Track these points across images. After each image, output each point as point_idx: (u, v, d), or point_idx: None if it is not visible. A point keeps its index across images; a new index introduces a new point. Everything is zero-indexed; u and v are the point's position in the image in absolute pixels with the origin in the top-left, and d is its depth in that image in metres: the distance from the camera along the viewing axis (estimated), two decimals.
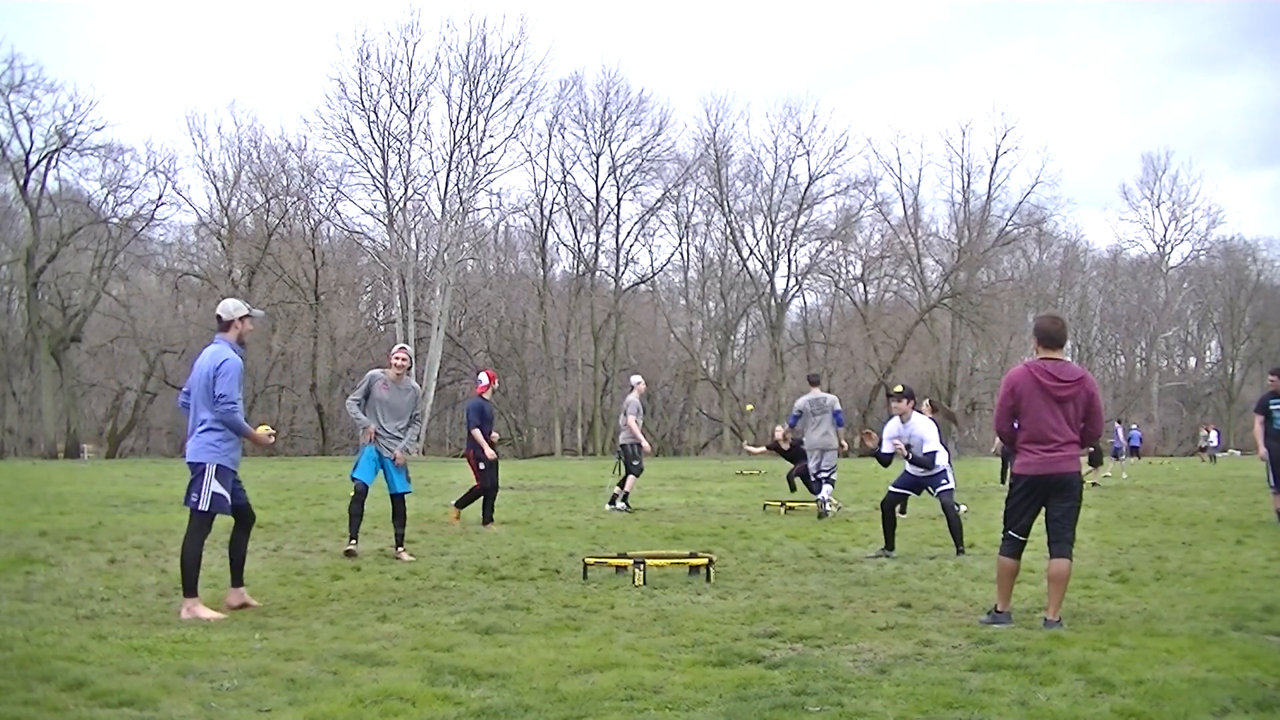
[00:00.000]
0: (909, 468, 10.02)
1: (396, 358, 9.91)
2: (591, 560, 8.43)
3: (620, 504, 15.08)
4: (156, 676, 4.84)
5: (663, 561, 8.25)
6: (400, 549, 9.56)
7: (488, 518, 12.21)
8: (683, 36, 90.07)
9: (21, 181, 46.62)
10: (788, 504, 15.14)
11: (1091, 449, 22.13)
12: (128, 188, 49.41)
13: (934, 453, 9.88)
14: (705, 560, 8.18)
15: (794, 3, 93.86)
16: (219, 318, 6.84)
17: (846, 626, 6.17)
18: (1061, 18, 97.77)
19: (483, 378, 12.81)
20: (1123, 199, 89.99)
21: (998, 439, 6.98)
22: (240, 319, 6.81)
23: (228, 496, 6.62)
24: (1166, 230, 70.15)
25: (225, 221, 52.97)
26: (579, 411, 55.86)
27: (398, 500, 9.62)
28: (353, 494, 9.62)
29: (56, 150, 46.78)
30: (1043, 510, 6.33)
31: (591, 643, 5.69)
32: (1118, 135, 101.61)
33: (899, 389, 10.44)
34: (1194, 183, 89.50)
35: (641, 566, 7.88)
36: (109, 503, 15.96)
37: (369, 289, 60.21)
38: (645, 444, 15.07)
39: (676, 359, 59.98)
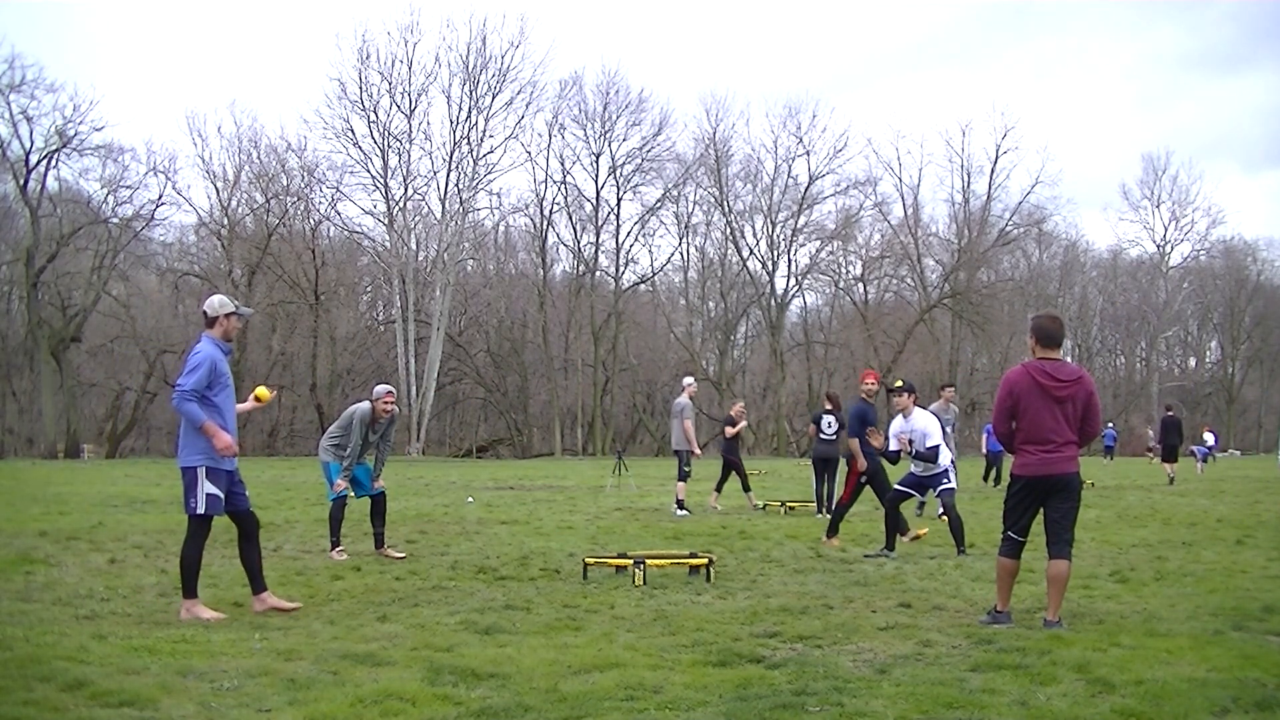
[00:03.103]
0: (913, 466, 10.02)
1: (386, 402, 9.56)
2: (591, 560, 8.43)
3: (680, 510, 14.73)
4: (156, 676, 4.84)
5: (663, 561, 8.25)
6: (384, 548, 9.56)
7: (833, 530, 10.93)
8: (683, 36, 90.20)
9: (21, 181, 46.60)
10: (788, 504, 15.14)
11: (1170, 445, 22.21)
12: (128, 188, 49.45)
13: (936, 447, 9.88)
14: (705, 560, 8.17)
15: (794, 4, 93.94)
16: (204, 313, 6.77)
17: (846, 626, 6.17)
18: (1071, 19, 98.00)
19: (865, 377, 11.94)
20: (1123, 199, 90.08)
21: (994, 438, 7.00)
22: (226, 316, 6.74)
23: (222, 496, 6.56)
24: (1166, 230, 70.19)
25: (225, 221, 52.92)
26: (579, 411, 55.86)
27: (379, 499, 9.61)
28: (333, 502, 9.59)
29: (56, 150, 46.77)
30: (1042, 510, 6.33)
31: (591, 643, 5.69)
32: (1127, 136, 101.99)
33: (899, 384, 10.45)
34: (1194, 183, 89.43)
35: (641, 566, 7.88)
36: (109, 503, 15.96)
37: (369, 289, 60.23)
38: (696, 449, 15.12)
39: (676, 359, 59.92)
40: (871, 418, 11.10)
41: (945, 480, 9.96)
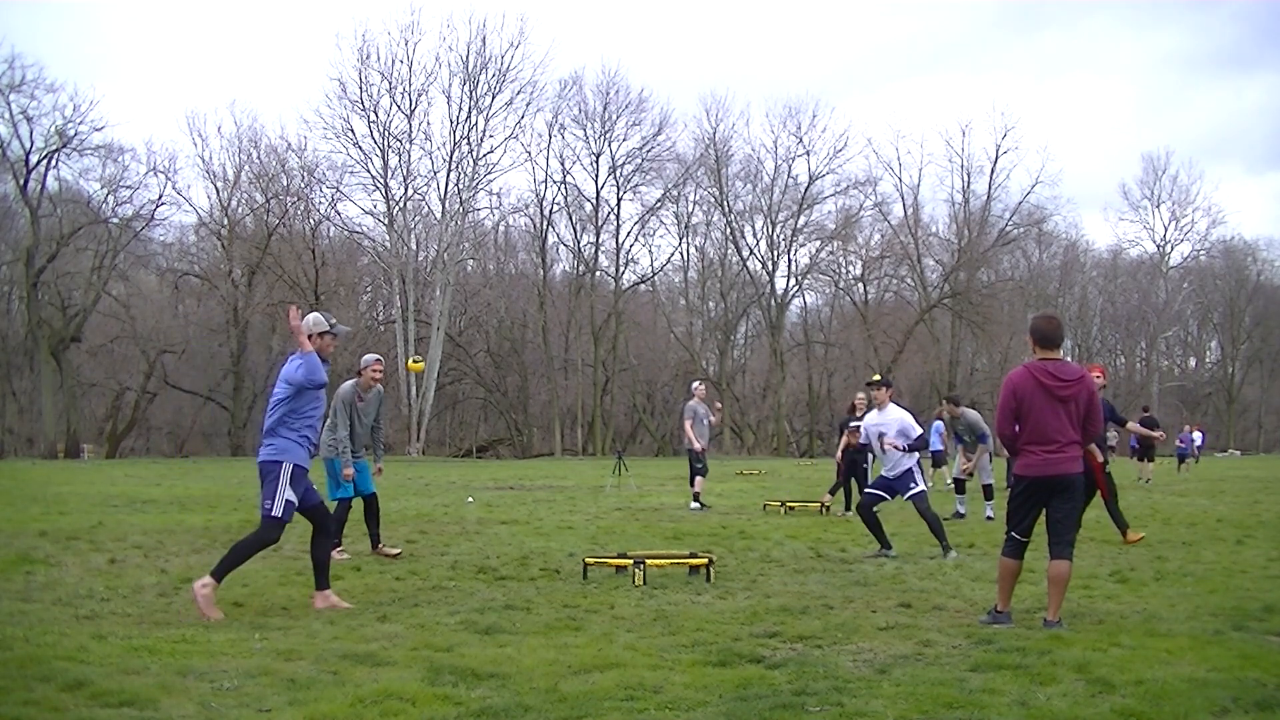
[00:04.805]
0: (884, 469, 10.03)
1: (374, 370, 9.52)
2: (591, 560, 8.43)
3: (694, 504, 15.49)
4: (156, 676, 4.84)
5: (663, 561, 8.25)
6: (381, 546, 9.52)
7: (1121, 526, 10.93)
8: (683, 36, 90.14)
9: (21, 181, 46.63)
10: (788, 504, 15.14)
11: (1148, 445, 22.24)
12: (128, 188, 49.49)
13: (921, 435, 9.98)
14: (705, 560, 8.17)
15: (794, 4, 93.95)
16: None
17: (846, 626, 6.17)
18: (1077, 21, 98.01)
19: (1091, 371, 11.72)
20: (1123, 199, 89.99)
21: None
22: (320, 335, 6.79)
23: (296, 503, 6.63)
24: (1166, 230, 70.16)
25: (225, 221, 52.97)
26: (579, 411, 55.87)
27: (371, 500, 9.58)
28: (338, 503, 9.43)
29: (56, 150, 46.80)
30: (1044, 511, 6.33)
31: (591, 643, 5.69)
32: (1130, 137, 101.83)
33: (876, 378, 10.53)
34: (1194, 183, 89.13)
35: (641, 566, 7.88)
36: (109, 503, 15.96)
37: (369, 289, 60.20)
38: (696, 446, 15.64)
39: (676, 359, 59.96)
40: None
41: (914, 484, 9.89)
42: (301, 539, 10.89)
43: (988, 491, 14.25)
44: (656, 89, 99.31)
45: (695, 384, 16.83)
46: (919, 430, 9.95)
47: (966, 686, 4.73)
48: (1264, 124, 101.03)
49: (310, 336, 6.72)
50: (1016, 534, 6.33)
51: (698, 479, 15.65)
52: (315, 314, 6.97)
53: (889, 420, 9.94)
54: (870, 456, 13.75)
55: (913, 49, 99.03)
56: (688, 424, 15.87)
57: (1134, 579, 8.08)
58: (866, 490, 10.07)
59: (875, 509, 9.90)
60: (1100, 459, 10.70)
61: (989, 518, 13.73)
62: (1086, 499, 10.70)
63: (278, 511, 6.55)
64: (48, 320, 47.41)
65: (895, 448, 9.82)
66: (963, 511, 13.91)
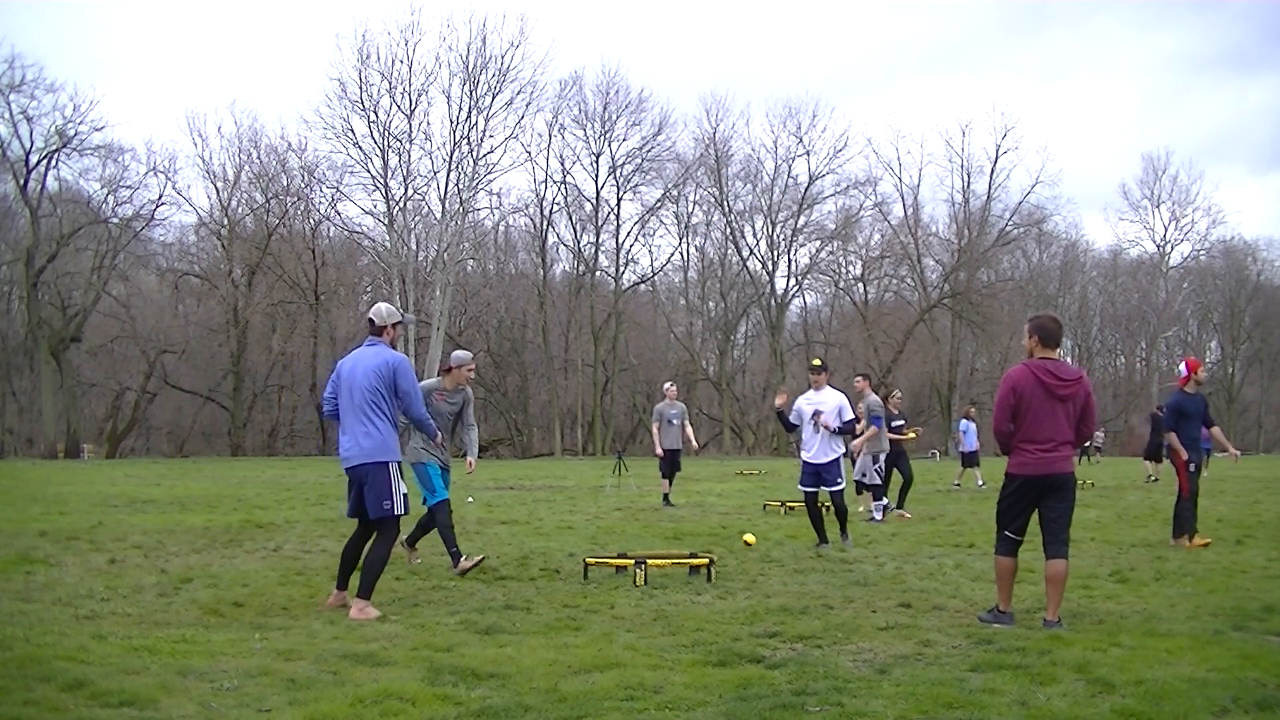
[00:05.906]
0: (809, 456, 10.22)
1: (470, 369, 9.13)
2: (591, 560, 8.43)
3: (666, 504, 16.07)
4: (156, 676, 4.84)
5: (663, 561, 8.25)
6: (414, 548, 9.40)
7: (1184, 530, 10.55)
8: (683, 36, 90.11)
9: (21, 181, 46.61)
10: (788, 504, 15.13)
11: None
12: (128, 188, 49.50)
13: (853, 420, 10.41)
14: (705, 560, 8.18)
15: (794, 4, 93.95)
16: (371, 321, 6.87)
17: (846, 626, 6.17)
18: (1081, 21, 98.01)
19: (1182, 368, 10.96)
20: (1123, 199, 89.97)
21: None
22: (393, 325, 6.89)
23: (407, 494, 6.83)
24: (1166, 230, 70.09)
25: (225, 221, 52.95)
26: (579, 411, 55.87)
27: (441, 505, 9.14)
28: (433, 514, 8.89)
29: (56, 150, 46.79)
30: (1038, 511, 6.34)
31: (591, 643, 5.69)
32: (1132, 137, 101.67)
33: (817, 362, 11.01)
34: (1194, 183, 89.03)
35: (642, 566, 7.88)
36: (109, 503, 15.96)
37: (369, 289, 60.10)
38: (659, 451, 16.31)
39: (676, 359, 59.95)
40: (1190, 409, 10.58)
41: (839, 481, 10.26)
42: (302, 539, 10.92)
43: (865, 487, 14.04)
44: (656, 89, 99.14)
45: (666, 385, 17.38)
46: (852, 414, 10.38)
47: (966, 686, 4.73)
48: (1267, 124, 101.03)
49: (384, 326, 6.85)
50: (1010, 532, 6.36)
51: (667, 480, 16.36)
52: (387, 304, 7.04)
53: (826, 400, 10.28)
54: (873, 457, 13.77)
55: (913, 49, 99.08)
56: (654, 428, 16.41)
57: (1134, 579, 8.08)
58: (803, 489, 10.37)
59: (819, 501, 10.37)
60: (1185, 457, 10.57)
61: (875, 519, 13.50)
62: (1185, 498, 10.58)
63: (401, 509, 6.80)
64: (48, 320, 47.41)
65: (827, 426, 10.11)
66: (898, 515, 13.70)
